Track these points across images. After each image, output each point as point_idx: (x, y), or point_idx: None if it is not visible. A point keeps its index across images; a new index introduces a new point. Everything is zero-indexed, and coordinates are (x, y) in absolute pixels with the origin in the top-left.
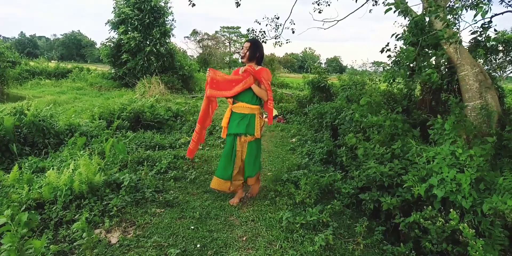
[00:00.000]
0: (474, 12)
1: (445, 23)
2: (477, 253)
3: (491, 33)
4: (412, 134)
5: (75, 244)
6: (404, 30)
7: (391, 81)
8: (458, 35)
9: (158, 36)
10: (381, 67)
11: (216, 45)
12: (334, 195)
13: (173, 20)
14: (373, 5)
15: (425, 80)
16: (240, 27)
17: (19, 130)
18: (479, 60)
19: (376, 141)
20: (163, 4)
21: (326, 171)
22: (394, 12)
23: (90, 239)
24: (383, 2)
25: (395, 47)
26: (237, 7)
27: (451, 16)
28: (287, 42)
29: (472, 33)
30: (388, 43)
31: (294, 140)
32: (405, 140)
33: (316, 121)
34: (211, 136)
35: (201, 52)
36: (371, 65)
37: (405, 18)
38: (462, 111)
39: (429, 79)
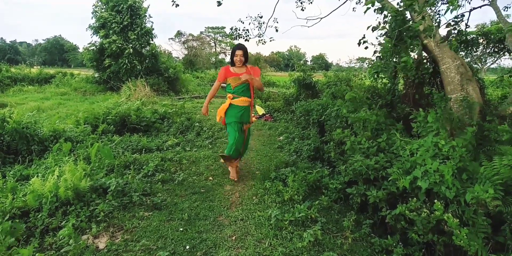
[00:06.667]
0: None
1: (420, 16)
2: (462, 241)
3: (468, 26)
4: (395, 128)
5: (62, 251)
6: (379, 22)
7: (376, 76)
8: (434, 28)
9: (136, 37)
10: (365, 63)
11: (202, 45)
12: (322, 191)
13: (150, 16)
14: (356, 3)
15: (402, 68)
16: (225, 27)
17: (2, 138)
18: (460, 53)
19: (362, 136)
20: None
21: (313, 168)
22: (374, 11)
23: (77, 245)
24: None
25: (379, 43)
26: (218, 6)
27: (430, 10)
28: (270, 40)
29: (446, 26)
30: (364, 35)
31: (281, 138)
32: (390, 133)
33: (303, 119)
34: (199, 137)
35: (187, 53)
36: (355, 61)
37: (381, 14)
38: (447, 104)
39: (405, 67)
